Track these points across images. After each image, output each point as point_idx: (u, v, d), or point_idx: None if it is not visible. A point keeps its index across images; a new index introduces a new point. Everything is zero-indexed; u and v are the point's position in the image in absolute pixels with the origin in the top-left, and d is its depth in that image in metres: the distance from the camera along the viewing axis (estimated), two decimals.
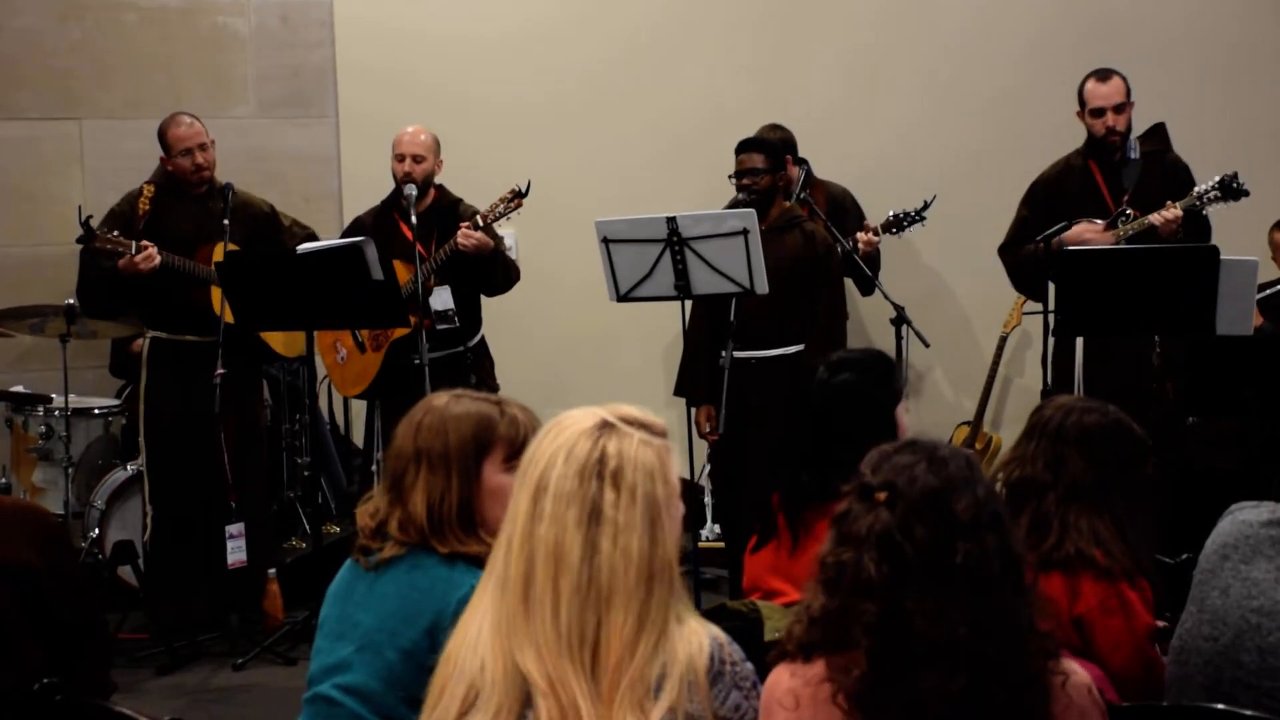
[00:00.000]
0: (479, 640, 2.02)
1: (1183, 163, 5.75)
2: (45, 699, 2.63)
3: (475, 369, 5.99)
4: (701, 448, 6.01)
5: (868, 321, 6.94)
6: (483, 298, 6.13)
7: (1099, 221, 5.56)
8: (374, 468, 6.22)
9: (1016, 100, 7.16)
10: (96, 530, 5.98)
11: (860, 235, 6.13)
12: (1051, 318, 5.26)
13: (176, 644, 5.52)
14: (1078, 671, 2.11)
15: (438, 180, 6.05)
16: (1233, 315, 4.75)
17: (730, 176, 5.74)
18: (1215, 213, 5.55)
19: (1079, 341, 5.51)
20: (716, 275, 5.18)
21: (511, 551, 2.01)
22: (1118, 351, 5.41)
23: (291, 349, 5.98)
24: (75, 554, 4.58)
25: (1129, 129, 5.72)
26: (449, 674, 2.05)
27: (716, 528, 6.68)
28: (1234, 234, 5.68)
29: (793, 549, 3.35)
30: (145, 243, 5.56)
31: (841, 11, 7.29)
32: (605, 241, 5.28)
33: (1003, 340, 6.95)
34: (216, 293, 5.59)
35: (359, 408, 6.98)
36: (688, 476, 5.69)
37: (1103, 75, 5.70)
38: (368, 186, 6.48)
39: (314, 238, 6.11)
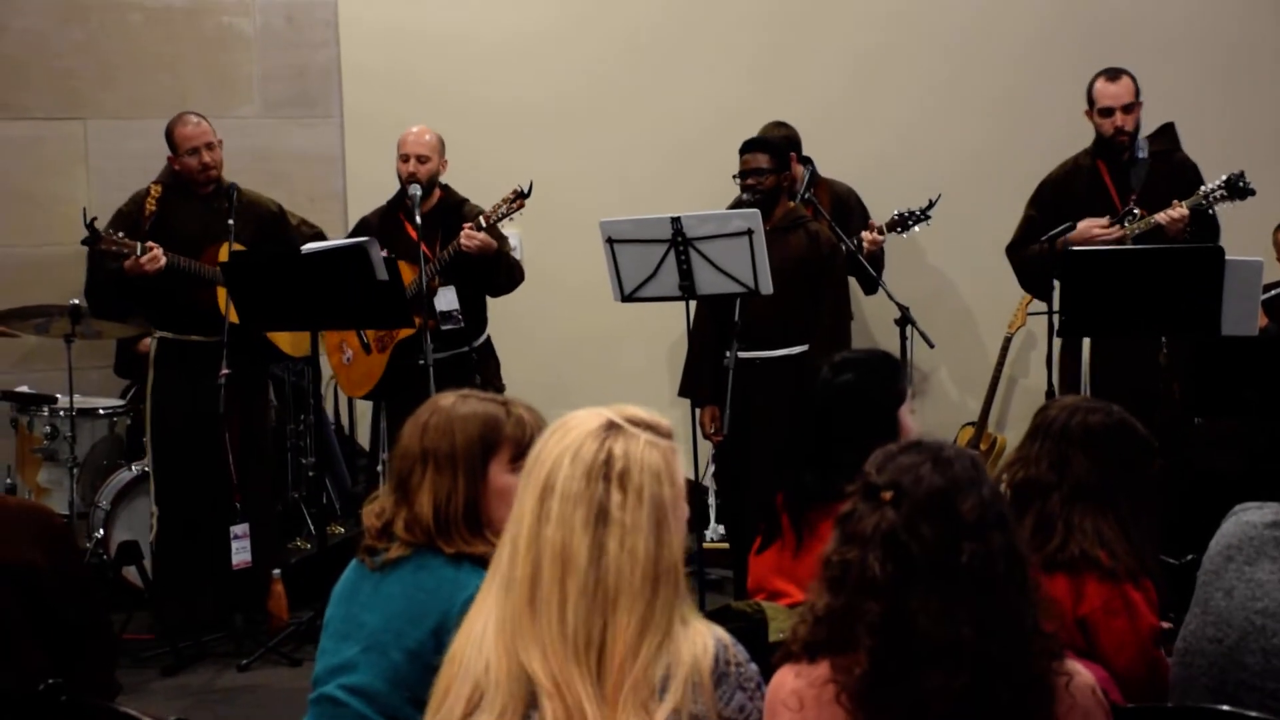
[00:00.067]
0: (484, 641, 2.02)
1: (1191, 162, 5.73)
2: (50, 700, 2.63)
3: (480, 369, 5.98)
4: (706, 448, 6.01)
5: (872, 322, 6.93)
6: (488, 298, 6.14)
7: (1105, 219, 5.55)
8: (379, 468, 6.22)
9: (1020, 99, 7.16)
10: (101, 531, 5.98)
11: (865, 234, 6.12)
12: (1056, 318, 5.25)
13: (181, 645, 5.52)
14: (1082, 672, 2.11)
15: (443, 180, 6.05)
16: (1238, 316, 4.74)
17: (735, 176, 5.74)
18: (1220, 213, 5.54)
19: (1085, 342, 5.50)
20: (721, 275, 5.18)
21: (517, 552, 2.01)
22: (1124, 353, 5.40)
23: (298, 349, 5.97)
24: (80, 554, 4.58)
25: (1138, 129, 5.69)
26: (453, 674, 2.05)
27: (721, 528, 6.67)
28: (1236, 234, 5.67)
29: (797, 550, 3.35)
30: (150, 244, 5.57)
31: (844, 11, 7.28)
32: (610, 242, 5.28)
33: (1007, 341, 6.94)
34: (223, 293, 5.59)
35: (364, 408, 6.98)
36: (692, 477, 5.70)
37: (1112, 75, 5.68)
38: (372, 187, 6.49)
39: (322, 237, 6.12)
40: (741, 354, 5.48)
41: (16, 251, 6.90)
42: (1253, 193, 5.41)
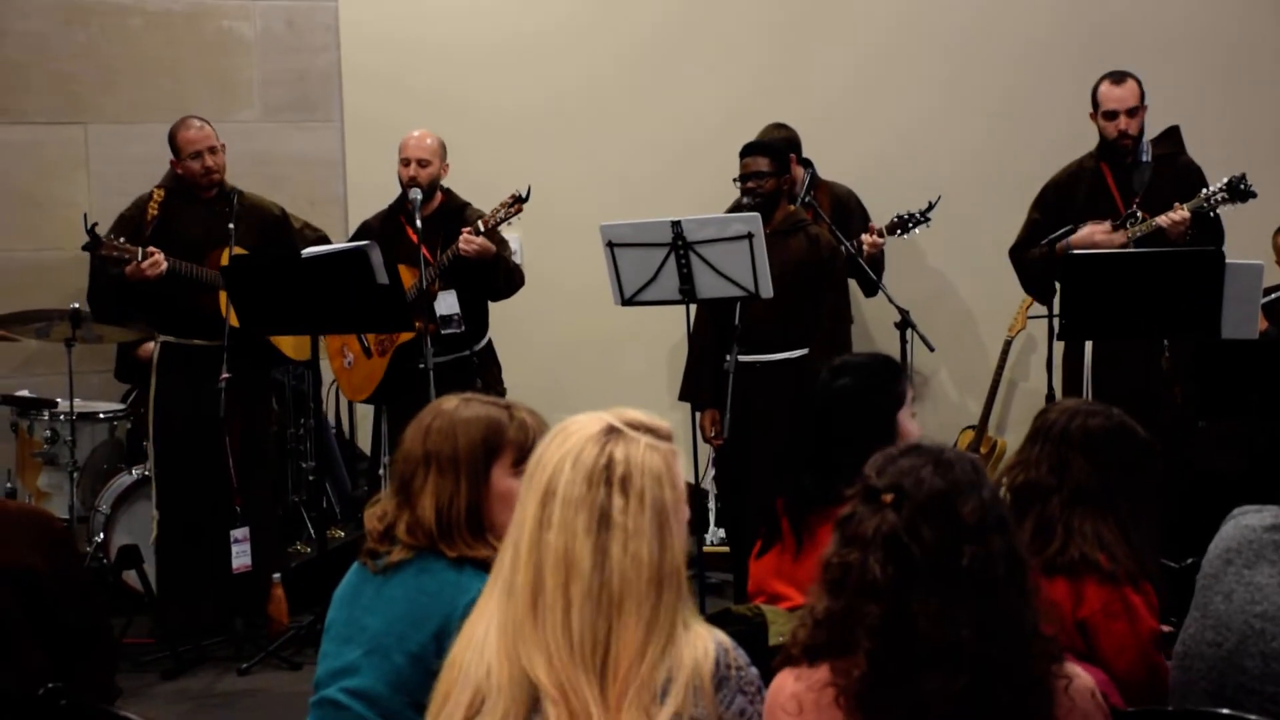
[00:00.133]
0: (484, 645, 2.02)
1: (1195, 166, 5.73)
2: (50, 704, 2.63)
3: (481, 373, 5.98)
4: (706, 452, 6.01)
5: (872, 325, 6.93)
6: (489, 302, 6.14)
7: (1107, 223, 5.55)
8: (380, 472, 6.22)
9: (1020, 101, 7.16)
10: (101, 535, 5.99)
11: (865, 237, 6.13)
12: (1056, 322, 5.25)
13: (181, 649, 5.52)
14: (1081, 675, 2.11)
15: (444, 184, 6.05)
16: (1238, 319, 4.75)
17: (735, 180, 5.74)
18: (1221, 216, 5.55)
19: (1088, 345, 5.50)
20: (721, 279, 5.19)
21: (519, 557, 2.01)
22: (1126, 356, 5.40)
23: (301, 352, 5.97)
24: (80, 558, 4.57)
25: (1141, 132, 5.69)
26: (454, 679, 2.05)
27: (721, 532, 6.67)
28: (1237, 237, 5.67)
29: (797, 553, 3.35)
30: (152, 249, 5.57)
31: (844, 13, 7.29)
32: (610, 245, 5.28)
33: (1007, 344, 6.94)
34: (225, 297, 5.59)
35: (364, 412, 6.98)
36: (692, 481, 5.70)
37: (1117, 78, 5.67)
38: (373, 191, 6.49)
39: (326, 240, 6.13)
40: (742, 357, 5.48)
41: (17, 256, 6.90)
42: (1254, 195, 5.41)
